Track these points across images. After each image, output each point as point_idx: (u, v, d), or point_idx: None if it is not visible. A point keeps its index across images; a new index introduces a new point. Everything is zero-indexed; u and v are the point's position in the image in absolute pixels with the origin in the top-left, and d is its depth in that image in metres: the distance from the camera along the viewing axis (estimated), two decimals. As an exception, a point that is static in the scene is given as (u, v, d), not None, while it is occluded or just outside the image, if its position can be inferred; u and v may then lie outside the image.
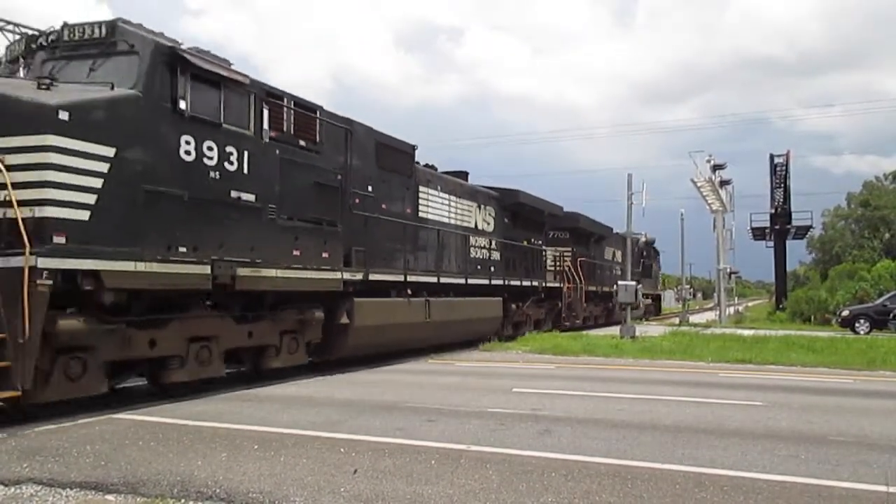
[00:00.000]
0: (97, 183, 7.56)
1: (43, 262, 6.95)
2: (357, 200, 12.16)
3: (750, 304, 76.43)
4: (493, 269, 17.82)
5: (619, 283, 21.21)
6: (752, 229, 42.12)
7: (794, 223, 41.20)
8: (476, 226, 17.11)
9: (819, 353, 15.09)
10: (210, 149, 8.94)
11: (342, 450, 5.86)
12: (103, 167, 7.63)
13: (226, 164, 9.15)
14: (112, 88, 8.03)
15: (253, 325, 10.03)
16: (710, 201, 32.17)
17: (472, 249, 16.76)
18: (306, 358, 11.27)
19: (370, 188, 12.64)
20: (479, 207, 17.39)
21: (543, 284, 21.33)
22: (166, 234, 8.35)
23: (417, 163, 14.76)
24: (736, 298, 53.39)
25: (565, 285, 23.24)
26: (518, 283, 19.20)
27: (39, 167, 7.16)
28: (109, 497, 4.69)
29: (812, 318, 32.84)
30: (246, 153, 9.46)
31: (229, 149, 9.21)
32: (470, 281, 16.24)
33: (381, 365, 12.75)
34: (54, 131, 7.22)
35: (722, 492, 4.72)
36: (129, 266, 7.86)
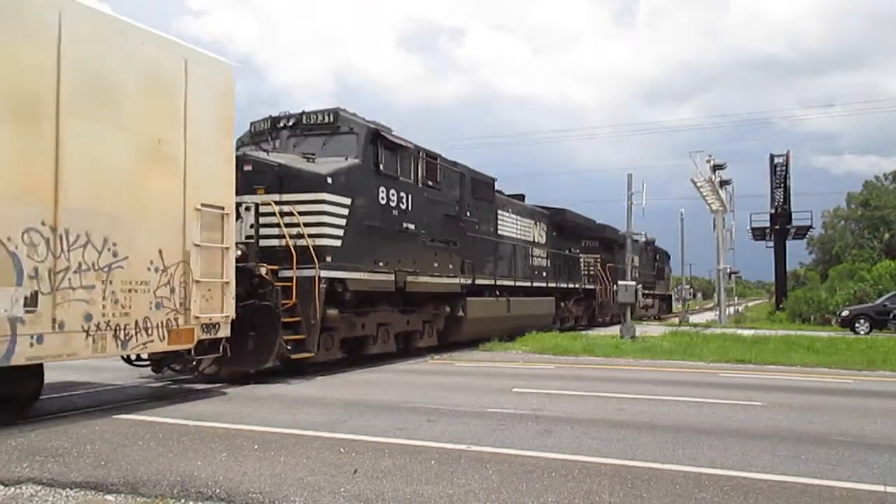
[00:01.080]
0: (343, 222, 11.51)
1: (323, 273, 10.82)
2: (462, 224, 15.84)
3: (750, 304, 76.42)
4: (545, 274, 21.55)
5: (619, 282, 21.20)
6: (752, 229, 42.11)
7: (794, 223, 41.14)
8: (534, 239, 21.05)
9: (819, 353, 15.08)
10: (393, 194, 12.97)
11: (342, 450, 5.87)
12: (345, 212, 11.56)
13: (401, 204, 13.24)
14: (346, 159, 11.92)
15: (409, 315, 14.06)
16: (710, 201, 32.14)
17: (532, 258, 20.69)
18: (436, 341, 15.21)
19: (469, 214, 16.29)
20: (535, 224, 21.37)
21: (582, 287, 25.07)
22: (373, 253, 12.30)
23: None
24: (736, 298, 53.38)
25: (598, 287, 26.76)
26: (564, 285, 23.02)
27: (317, 214, 11.07)
28: (109, 497, 4.69)
29: (812, 318, 32.83)
30: (410, 196, 13.52)
31: (402, 194, 13.26)
32: (534, 284, 20.25)
33: (382, 365, 12.76)
34: (326, 191, 11.19)
35: (722, 492, 4.72)
36: (358, 275, 11.82)
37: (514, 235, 19.20)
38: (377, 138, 12.48)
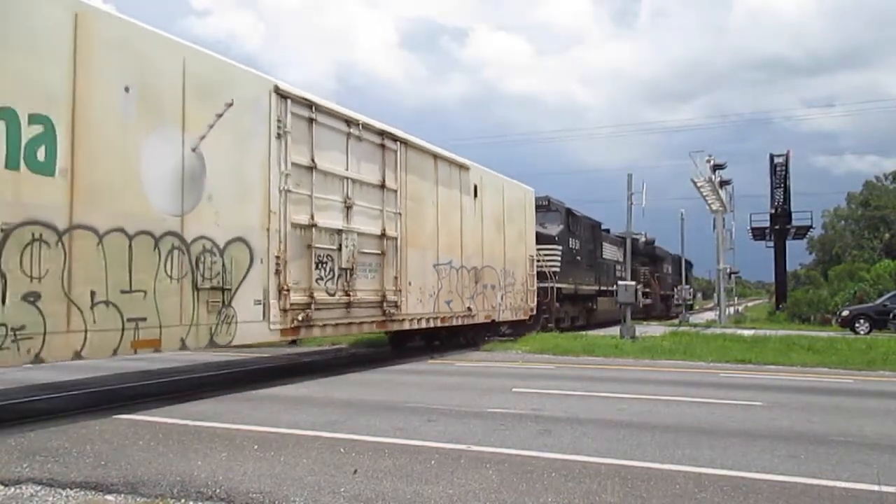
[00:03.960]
0: (559, 259, 22.05)
1: (557, 285, 21.77)
2: (593, 253, 26.72)
3: (750, 304, 76.36)
4: None
5: (619, 283, 21.23)
6: (752, 229, 42.04)
7: (794, 223, 41.04)
8: (616, 259, 30.78)
9: (819, 353, 15.08)
10: (574, 241, 23.92)
11: (342, 450, 5.87)
12: (560, 254, 22.12)
13: (576, 246, 24.08)
14: (558, 226, 22.82)
15: (574, 307, 24.31)
16: (710, 201, 32.09)
17: (617, 272, 29.95)
18: (584, 322, 25.12)
19: (593, 245, 26.89)
20: (617, 248, 30.82)
21: (642, 290, 33.04)
22: (567, 274, 22.68)
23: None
24: (736, 298, 53.30)
25: (650, 290, 36.59)
26: None
27: (552, 254, 21.78)
28: (109, 497, 4.69)
29: (812, 318, 32.81)
30: (578, 241, 24.48)
31: (576, 240, 24.24)
32: None
33: (382, 365, 12.76)
34: (555, 243, 22.16)
35: (722, 492, 4.72)
36: (564, 286, 22.31)
37: (609, 258, 29.73)
38: (569, 213, 23.77)
